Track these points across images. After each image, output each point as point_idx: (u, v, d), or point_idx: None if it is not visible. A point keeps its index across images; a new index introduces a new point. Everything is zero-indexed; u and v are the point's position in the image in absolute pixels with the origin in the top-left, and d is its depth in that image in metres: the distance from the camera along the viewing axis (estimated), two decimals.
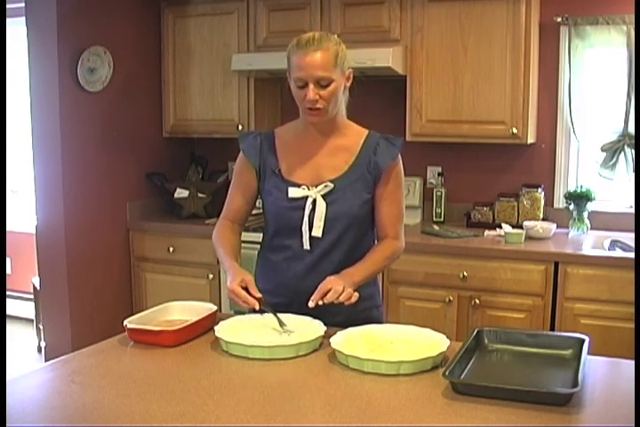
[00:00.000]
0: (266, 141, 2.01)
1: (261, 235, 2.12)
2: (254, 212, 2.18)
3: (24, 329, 4.71)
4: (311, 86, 1.84)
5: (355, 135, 2.00)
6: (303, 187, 1.93)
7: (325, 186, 1.93)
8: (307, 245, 1.94)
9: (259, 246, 2.14)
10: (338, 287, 1.77)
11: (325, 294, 1.77)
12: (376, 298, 2.08)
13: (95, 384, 1.50)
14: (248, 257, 3.41)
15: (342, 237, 1.95)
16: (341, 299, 1.76)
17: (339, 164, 1.96)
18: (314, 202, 1.92)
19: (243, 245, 3.57)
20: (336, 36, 1.96)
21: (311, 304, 1.77)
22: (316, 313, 1.83)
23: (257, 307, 1.80)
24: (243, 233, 3.78)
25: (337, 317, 1.88)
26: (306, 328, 1.77)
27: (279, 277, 1.99)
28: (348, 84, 1.94)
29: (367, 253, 1.97)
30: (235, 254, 2.01)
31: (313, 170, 1.96)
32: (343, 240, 1.95)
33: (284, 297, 1.94)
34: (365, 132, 2.01)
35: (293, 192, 1.93)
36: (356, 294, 1.79)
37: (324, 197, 1.92)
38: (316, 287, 1.82)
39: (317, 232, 1.93)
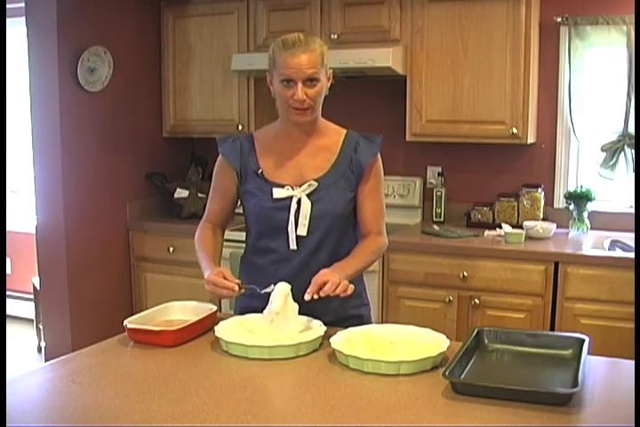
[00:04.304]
0: (246, 144, 2.01)
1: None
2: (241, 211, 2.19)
3: (24, 329, 4.71)
4: (299, 85, 1.84)
5: (334, 134, 2.01)
6: (287, 187, 1.94)
7: (309, 185, 1.93)
8: (293, 245, 1.94)
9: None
10: (335, 279, 1.77)
11: (321, 288, 1.76)
12: (364, 296, 2.09)
13: (95, 384, 1.50)
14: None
15: (327, 235, 1.95)
16: (338, 291, 1.76)
17: (320, 163, 1.97)
18: (299, 201, 1.92)
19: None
20: (318, 38, 1.97)
21: (307, 297, 1.75)
22: (305, 313, 1.83)
23: (236, 288, 1.80)
24: (241, 233, 3.78)
25: (327, 316, 1.89)
26: (306, 328, 1.77)
27: (266, 280, 1.91)
28: (329, 84, 1.95)
29: (352, 250, 1.97)
30: (214, 257, 2.00)
31: (295, 170, 1.96)
32: (328, 239, 1.96)
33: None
34: (344, 131, 2.03)
35: (278, 193, 1.93)
36: (352, 286, 1.79)
37: (308, 196, 1.93)
38: (305, 289, 1.81)
39: (302, 231, 1.93)
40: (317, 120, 1.97)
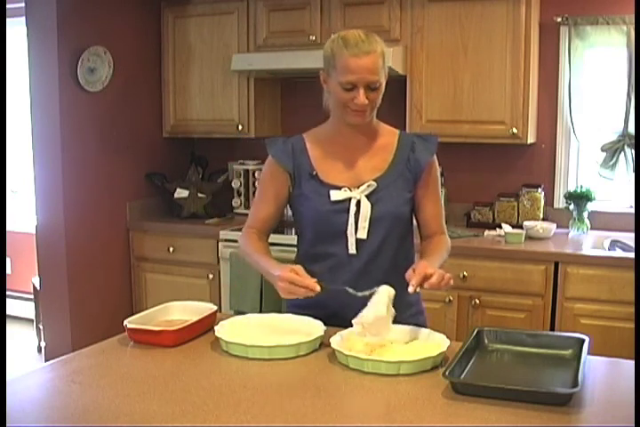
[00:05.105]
0: (297, 146, 1.93)
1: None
2: None
3: (24, 329, 4.71)
4: (362, 91, 1.77)
5: (388, 134, 1.96)
6: (344, 189, 1.87)
7: (369, 185, 1.86)
8: (353, 249, 1.86)
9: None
10: (441, 271, 1.69)
11: (425, 279, 1.68)
12: (421, 303, 2.04)
13: (95, 384, 1.50)
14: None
15: (387, 238, 1.88)
16: (443, 284, 1.69)
17: (378, 163, 1.91)
18: (357, 203, 1.85)
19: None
20: (376, 35, 1.88)
21: (411, 290, 1.67)
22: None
23: (317, 288, 1.68)
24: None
25: None
26: (306, 328, 1.77)
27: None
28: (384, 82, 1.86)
29: (425, 249, 1.93)
30: (272, 258, 1.88)
31: (352, 171, 1.90)
32: (389, 242, 1.88)
33: (326, 310, 1.84)
34: (396, 131, 1.98)
35: (336, 195, 1.86)
36: (452, 280, 1.72)
37: (367, 197, 1.86)
38: (365, 295, 1.77)
39: (362, 234, 1.85)
40: (372, 120, 1.91)
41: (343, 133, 1.92)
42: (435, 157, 1.96)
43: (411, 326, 1.76)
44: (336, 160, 1.91)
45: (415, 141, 1.94)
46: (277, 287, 1.74)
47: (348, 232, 1.86)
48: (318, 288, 1.69)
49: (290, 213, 2.00)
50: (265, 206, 1.96)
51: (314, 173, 1.90)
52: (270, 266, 1.81)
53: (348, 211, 1.86)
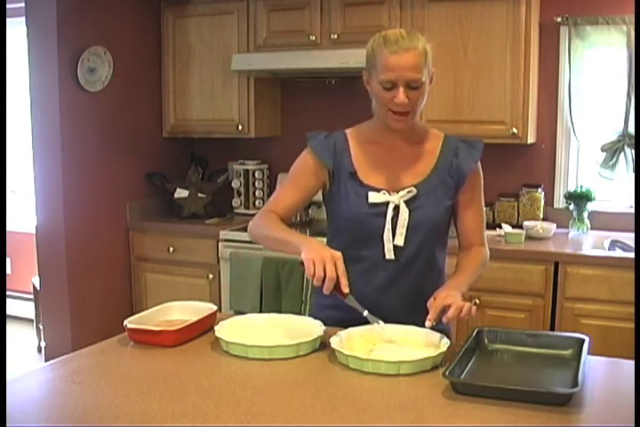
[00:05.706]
0: (339, 143, 1.88)
1: None
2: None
3: (24, 329, 4.71)
4: (401, 89, 1.72)
5: (433, 138, 1.90)
6: (383, 192, 1.82)
7: (409, 191, 1.82)
8: (390, 255, 1.82)
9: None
10: (458, 303, 1.65)
11: (443, 311, 1.65)
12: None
13: (95, 384, 1.50)
14: (248, 257, 3.42)
15: (424, 245, 1.84)
16: (462, 315, 1.65)
17: (420, 168, 1.85)
18: (395, 208, 1.81)
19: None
20: (419, 34, 1.82)
21: (428, 324, 1.65)
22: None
23: (346, 290, 1.64)
24: (241, 233, 3.78)
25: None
26: (306, 328, 1.77)
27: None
28: (430, 86, 1.82)
29: (460, 263, 1.90)
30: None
31: (392, 175, 1.85)
32: (425, 249, 1.85)
33: (356, 313, 1.75)
34: (442, 134, 1.92)
35: (374, 197, 1.81)
36: (475, 308, 1.70)
37: (406, 203, 1.81)
38: (397, 300, 1.75)
39: (400, 240, 1.81)
40: (416, 122, 1.86)
41: (386, 136, 1.86)
42: (479, 164, 1.90)
43: (411, 326, 1.75)
44: (377, 162, 1.87)
45: (459, 147, 1.88)
46: (310, 260, 1.62)
47: (385, 238, 1.82)
48: (347, 290, 1.64)
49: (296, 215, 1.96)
50: (293, 194, 1.89)
51: (353, 172, 1.85)
52: (307, 240, 1.71)
53: (385, 215, 1.81)
